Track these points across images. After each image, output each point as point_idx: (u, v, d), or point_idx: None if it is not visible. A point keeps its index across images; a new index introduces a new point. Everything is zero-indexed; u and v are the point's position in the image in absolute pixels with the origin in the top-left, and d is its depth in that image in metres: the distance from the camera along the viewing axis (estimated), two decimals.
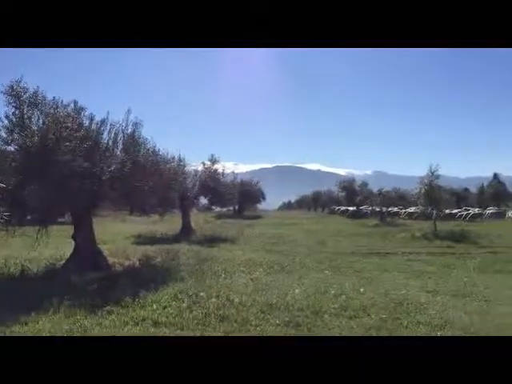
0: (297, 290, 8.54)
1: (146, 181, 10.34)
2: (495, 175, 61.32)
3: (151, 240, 18.19)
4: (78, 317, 6.52)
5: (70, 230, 10.96)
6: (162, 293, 7.94)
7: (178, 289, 8.24)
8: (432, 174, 22.66)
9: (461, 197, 46.71)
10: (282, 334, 6.00)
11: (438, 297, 8.66)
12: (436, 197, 22.78)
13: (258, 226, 27.58)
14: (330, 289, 8.86)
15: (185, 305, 7.23)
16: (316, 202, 58.38)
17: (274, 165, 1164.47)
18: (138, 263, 11.69)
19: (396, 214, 35.08)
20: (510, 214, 31.81)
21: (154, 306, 7.10)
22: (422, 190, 22.86)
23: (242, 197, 38.44)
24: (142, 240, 18.47)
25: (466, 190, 55.50)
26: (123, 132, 10.69)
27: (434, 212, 23.37)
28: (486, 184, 54.41)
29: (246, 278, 10.01)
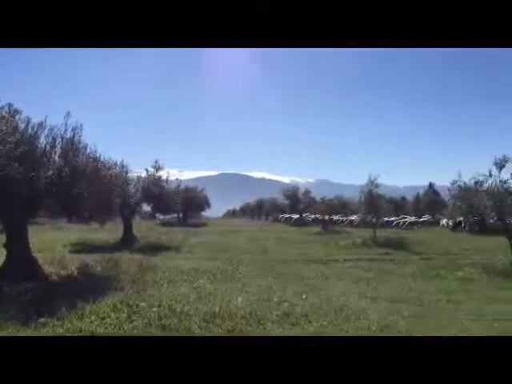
0: (240, 298, 8.50)
1: (85, 187, 9.98)
2: (431, 185, 64.31)
3: (91, 248, 17.58)
4: (10, 330, 6.16)
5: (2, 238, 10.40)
6: (100, 303, 7.65)
7: (117, 299, 7.98)
8: (372, 182, 23.43)
9: (399, 205, 48.66)
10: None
11: (377, 302, 8.92)
12: (376, 205, 23.56)
13: (202, 234, 27.38)
14: (273, 296, 8.89)
15: (124, 315, 7.00)
16: (260, 210, 58.81)
17: (218, 172, 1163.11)
18: (75, 272, 11.23)
19: (338, 221, 35.97)
20: (443, 222, 33.43)
21: (92, 318, 6.82)
22: (363, 199, 23.59)
23: (186, 204, 38.06)
24: (81, 248, 17.83)
25: (404, 198, 57.91)
26: (62, 136, 10.27)
27: (374, 220, 24.16)
28: (421, 193, 57.03)
29: (189, 286, 9.86)
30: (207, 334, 6.13)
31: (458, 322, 7.32)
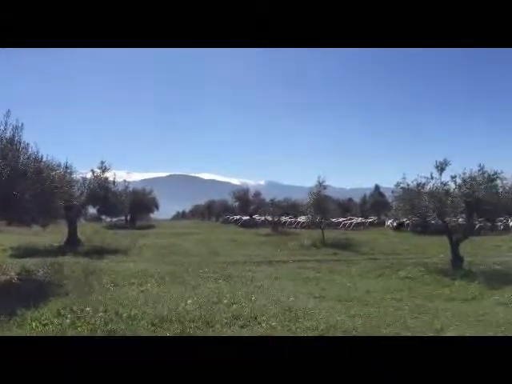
0: (189, 301, 8.42)
1: (26, 189, 9.56)
2: (376, 186, 66.31)
3: (32, 252, 16.82)
4: None
5: None
6: (42, 309, 7.35)
7: (61, 304, 7.69)
8: (320, 184, 23.86)
9: (346, 206, 49.86)
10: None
11: (325, 302, 9.09)
12: (324, 206, 24.02)
13: (150, 236, 26.88)
14: (222, 298, 8.86)
15: (68, 321, 6.75)
16: (210, 212, 58.47)
17: (167, 173, 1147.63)
18: (15, 278, 10.73)
19: (287, 223, 36.33)
20: (388, 223, 34.48)
21: (34, 324, 6.54)
22: (311, 200, 23.98)
23: (134, 206, 37.24)
24: (22, 253, 17.04)
25: (351, 200, 59.41)
26: (1, 136, 9.80)
27: (322, 221, 24.61)
28: (368, 194, 58.73)
29: (136, 290, 9.66)
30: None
31: (401, 319, 7.58)
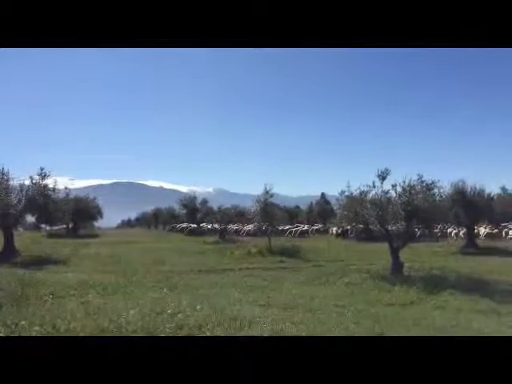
0: (131, 312, 8.20)
1: None
2: (322, 194, 67.76)
3: None
4: None
5: None
6: None
7: None
8: (267, 192, 24.04)
9: (293, 214, 50.58)
10: None
11: (270, 310, 9.12)
12: (270, 214, 24.20)
13: (93, 246, 26.09)
14: (166, 308, 8.69)
15: (1, 335, 6.41)
16: (157, 220, 57.59)
17: (112, 181, 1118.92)
18: None
19: (235, 230, 36.35)
20: (333, 231, 35.24)
21: None
22: (258, 208, 24.10)
23: (76, 214, 36.04)
24: None
25: (298, 207, 60.38)
26: None
27: (269, 229, 24.78)
28: (314, 202, 59.88)
29: (76, 302, 9.31)
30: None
31: (343, 325, 7.72)
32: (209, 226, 38.21)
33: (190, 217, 39.03)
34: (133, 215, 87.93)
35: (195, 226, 39.09)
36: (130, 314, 7.97)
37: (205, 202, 38.38)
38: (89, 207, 40.45)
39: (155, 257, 20.19)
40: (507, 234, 28.57)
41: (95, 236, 37.03)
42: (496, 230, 28.32)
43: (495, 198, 24.94)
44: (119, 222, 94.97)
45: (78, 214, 36.99)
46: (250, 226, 33.71)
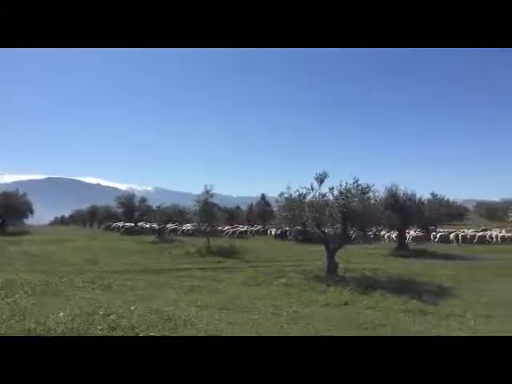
0: (61, 313, 7.85)
1: None
2: (263, 195, 68.42)
3: None
4: None
5: None
6: None
7: None
8: (207, 192, 23.92)
9: (233, 214, 50.66)
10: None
11: (206, 310, 9.06)
12: (210, 214, 24.10)
13: (23, 243, 24.84)
14: (98, 309, 8.41)
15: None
16: (92, 218, 55.73)
17: (45, 176, 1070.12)
18: None
19: (174, 230, 35.85)
20: (272, 232, 35.59)
21: None
22: (198, 208, 23.93)
23: (4, 210, 34.17)
24: None
25: (238, 208, 60.58)
26: None
27: (208, 228, 24.67)
28: (254, 203, 60.36)
29: (1, 302, 8.80)
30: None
31: (278, 325, 7.81)
32: (147, 225, 37.45)
33: (128, 215, 38.11)
34: (67, 212, 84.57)
35: (132, 224, 38.16)
36: (60, 316, 7.64)
37: (143, 200, 37.59)
38: (18, 203, 38.47)
39: (89, 256, 19.51)
40: (435, 237, 30.12)
41: (25, 233, 35.26)
42: (420, 234, 29.75)
43: (425, 202, 26.17)
44: (52, 218, 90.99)
45: (7, 210, 35.13)
46: (190, 226, 33.38)
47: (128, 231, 37.29)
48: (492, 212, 57.36)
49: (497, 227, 33.39)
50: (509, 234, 28.36)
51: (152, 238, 30.77)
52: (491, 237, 29.76)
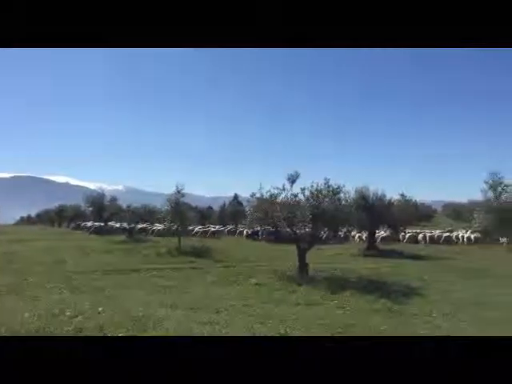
0: (26, 314, 7.67)
1: None
2: (235, 196, 68.36)
3: None
4: None
5: None
6: None
7: None
8: (179, 192, 23.71)
9: (205, 214, 50.39)
10: None
11: (177, 311, 8.99)
12: (182, 214, 23.90)
13: None
14: (65, 310, 8.25)
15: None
16: (61, 217, 54.51)
17: (11, 174, 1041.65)
18: None
19: (144, 230, 35.41)
20: (245, 232, 35.49)
21: None
22: (169, 208, 23.71)
23: None
24: None
25: (210, 208, 60.34)
26: None
27: (180, 228, 24.46)
28: (227, 203, 60.24)
29: None
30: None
31: (248, 325, 7.81)
32: (117, 225, 36.86)
33: (97, 215, 37.42)
34: (35, 211, 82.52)
35: (102, 224, 37.50)
36: (25, 317, 7.46)
37: (113, 199, 36.98)
38: None
39: (56, 256, 19.11)
40: (404, 237, 30.67)
41: None
42: (390, 234, 30.28)
43: (395, 203, 26.60)
44: (18, 218, 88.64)
45: None
46: (161, 226, 33.03)
47: (97, 231, 36.62)
48: (459, 213, 58.75)
49: (463, 228, 34.17)
50: (474, 235, 29.07)
51: (122, 237, 30.32)
52: (457, 237, 30.48)
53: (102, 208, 36.10)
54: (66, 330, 6.79)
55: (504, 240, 26.75)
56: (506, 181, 17.61)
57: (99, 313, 8.26)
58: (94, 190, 38.27)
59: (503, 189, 17.46)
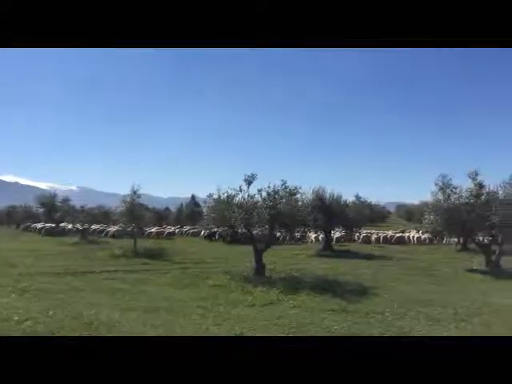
0: None
1: None
2: (193, 196, 67.85)
3: None
4: None
5: None
6: None
7: None
8: (134, 192, 23.27)
9: (162, 215, 49.82)
10: None
11: (131, 314, 8.83)
12: (137, 215, 23.47)
13: None
14: (13, 315, 7.97)
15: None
16: (10, 218, 52.43)
17: None
18: None
19: (99, 231, 34.59)
20: (202, 233, 35.23)
21: None
22: (124, 209, 23.24)
23: None
24: None
25: (167, 209, 59.69)
26: None
27: (135, 230, 24.03)
28: (184, 204, 59.74)
29: None
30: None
31: (203, 326, 7.78)
32: (69, 226, 35.78)
33: (49, 216, 36.26)
34: None
35: (54, 225, 36.35)
36: None
37: (66, 200, 35.94)
38: None
39: (3, 258, 18.37)
40: (359, 238, 31.40)
41: None
42: (345, 234, 30.97)
43: (350, 204, 27.19)
44: None
45: None
46: (116, 227, 32.35)
47: (49, 232, 35.47)
48: (411, 214, 60.80)
49: (415, 228, 35.34)
50: (424, 236, 30.12)
51: (75, 239, 29.50)
52: (409, 238, 31.51)
53: (53, 209, 35.02)
54: (14, 335, 6.57)
55: (454, 240, 27.87)
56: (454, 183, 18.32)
57: (49, 317, 8.03)
58: (46, 190, 37.08)
59: (452, 190, 18.15)
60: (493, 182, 18.07)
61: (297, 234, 26.78)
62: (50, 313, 8.32)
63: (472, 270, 17.37)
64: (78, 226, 32.80)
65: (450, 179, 18.36)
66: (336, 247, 26.54)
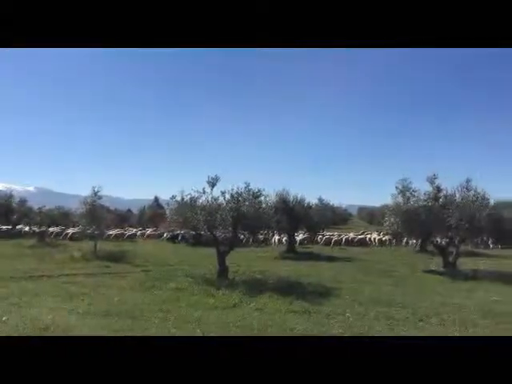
0: None
1: None
2: (156, 198, 67.01)
3: None
4: None
5: None
6: None
7: None
8: (95, 194, 22.74)
9: (124, 217, 48.95)
10: None
11: (89, 318, 8.62)
12: (98, 217, 22.93)
13: None
14: None
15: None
16: None
17: None
18: None
19: (58, 233, 33.60)
20: (164, 236, 34.70)
21: None
22: (85, 210, 22.67)
23: None
24: None
25: (130, 211, 58.70)
26: None
27: (96, 232, 23.46)
28: (147, 206, 58.91)
29: None
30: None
31: (165, 330, 7.67)
32: (26, 228, 34.60)
33: (4, 217, 34.99)
34: None
35: (9, 227, 35.07)
36: None
37: (23, 201, 34.79)
38: None
39: None
40: (321, 240, 31.77)
41: None
42: (307, 237, 31.30)
43: (313, 207, 27.47)
44: None
45: None
46: (75, 229, 31.52)
47: (4, 234, 34.19)
48: (372, 216, 62.16)
49: (376, 230, 36.06)
50: (385, 237, 30.81)
51: (32, 241, 28.53)
52: (370, 240, 32.14)
53: (9, 210, 33.83)
54: None
55: (413, 241, 28.65)
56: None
57: (3, 322, 7.73)
58: (2, 191, 35.84)
59: (411, 193, 18.64)
60: (449, 185, 18.69)
61: (260, 237, 26.84)
62: (4, 318, 8.03)
63: (430, 271, 17.89)
64: (36, 228, 31.81)
65: (410, 182, 18.86)
66: (299, 249, 26.74)
